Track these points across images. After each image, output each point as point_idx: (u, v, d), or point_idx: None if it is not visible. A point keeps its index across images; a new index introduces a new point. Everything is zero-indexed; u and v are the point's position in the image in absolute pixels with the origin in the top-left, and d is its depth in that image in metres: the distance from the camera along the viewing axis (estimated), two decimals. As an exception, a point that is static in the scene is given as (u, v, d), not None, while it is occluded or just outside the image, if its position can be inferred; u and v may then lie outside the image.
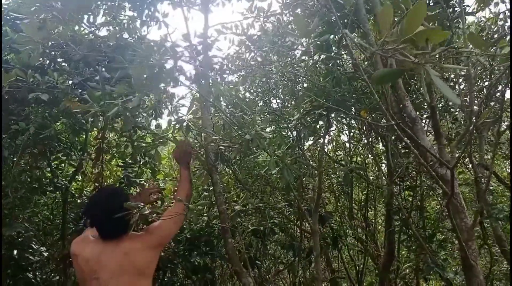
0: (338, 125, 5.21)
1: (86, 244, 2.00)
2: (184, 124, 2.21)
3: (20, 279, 2.60)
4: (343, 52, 2.89)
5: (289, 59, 4.05)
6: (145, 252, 1.95)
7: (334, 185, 5.03)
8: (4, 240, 2.56)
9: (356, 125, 4.51)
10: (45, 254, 3.10)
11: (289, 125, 2.62)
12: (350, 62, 3.04)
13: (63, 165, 4.03)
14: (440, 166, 2.10)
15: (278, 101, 4.42)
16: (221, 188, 2.45)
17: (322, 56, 2.77)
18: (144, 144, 3.31)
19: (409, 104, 2.29)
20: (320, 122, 2.76)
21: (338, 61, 2.82)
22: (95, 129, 3.62)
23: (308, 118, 2.56)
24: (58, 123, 3.28)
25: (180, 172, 2.31)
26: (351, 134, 5.12)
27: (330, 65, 2.80)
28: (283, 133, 2.80)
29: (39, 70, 2.36)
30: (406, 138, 2.13)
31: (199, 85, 2.11)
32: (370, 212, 5.06)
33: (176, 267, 3.61)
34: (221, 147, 2.28)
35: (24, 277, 2.63)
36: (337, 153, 5.24)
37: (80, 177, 4.09)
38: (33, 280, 2.69)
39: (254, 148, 2.19)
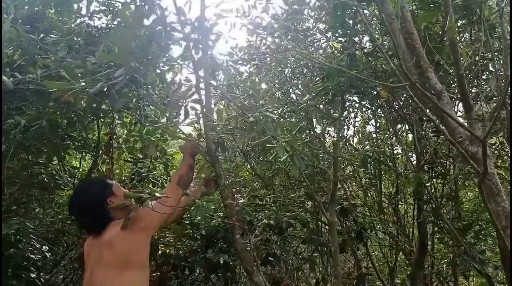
0: (363, 115, 4.97)
1: (89, 239, 1.96)
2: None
3: (21, 278, 2.53)
4: (358, 27, 2.65)
5: (305, 44, 3.84)
6: (125, 239, 1.78)
7: (362, 178, 4.78)
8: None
9: (376, 111, 4.23)
10: (48, 254, 3.02)
11: (298, 107, 2.40)
12: (367, 38, 2.79)
13: (77, 163, 4.02)
14: (471, 144, 1.84)
15: (297, 91, 4.22)
16: (226, 181, 2.27)
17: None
18: (153, 139, 3.21)
19: (434, 76, 2.02)
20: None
21: (354, 38, 2.59)
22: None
23: (320, 99, 2.34)
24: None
25: (183, 160, 2.19)
26: (377, 124, 4.84)
27: (345, 42, 2.57)
28: (293, 116, 2.58)
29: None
30: (430, 113, 1.88)
31: (194, 59, 1.93)
32: (401, 205, 4.76)
33: (193, 265, 3.47)
34: (222, 135, 2.10)
35: (26, 276, 2.55)
36: (362, 145, 4.96)
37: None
38: (36, 280, 2.61)
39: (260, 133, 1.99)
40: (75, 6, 2.33)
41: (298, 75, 4.17)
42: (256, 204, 3.54)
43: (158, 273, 3.48)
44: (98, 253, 1.81)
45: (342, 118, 4.60)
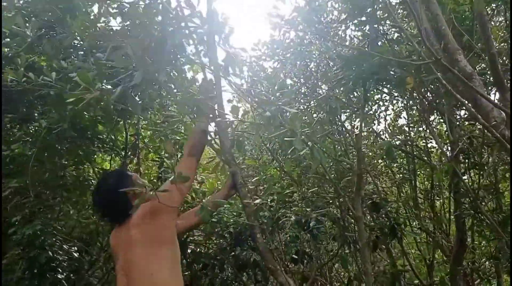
0: (394, 108, 4.79)
1: (114, 231, 2.00)
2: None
3: (46, 279, 2.59)
4: (380, 13, 2.53)
5: (329, 36, 3.73)
6: (150, 219, 1.83)
7: (395, 173, 4.61)
8: (24, 239, 2.58)
9: (407, 102, 4.05)
10: (76, 254, 3.09)
11: (317, 98, 2.31)
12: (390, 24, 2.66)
13: (108, 164, 4.11)
14: (507, 128, 1.70)
15: (324, 86, 4.11)
16: (242, 179, 2.21)
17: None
18: (179, 138, 3.22)
19: (463, 59, 1.89)
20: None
21: (375, 25, 2.48)
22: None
23: (340, 89, 2.25)
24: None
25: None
26: (410, 118, 4.65)
27: (366, 29, 2.46)
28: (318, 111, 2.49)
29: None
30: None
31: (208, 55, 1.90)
32: (437, 200, 4.56)
33: (222, 263, 3.45)
34: (237, 132, 2.05)
35: (51, 277, 2.62)
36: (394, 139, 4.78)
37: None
38: (63, 281, 2.68)
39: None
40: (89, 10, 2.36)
41: (323, 69, 4.07)
42: (283, 201, 3.48)
43: (189, 272, 3.49)
44: (126, 238, 1.84)
45: (367, 110, 4.49)
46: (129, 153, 3.65)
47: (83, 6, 1.93)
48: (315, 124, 1.95)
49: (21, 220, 2.80)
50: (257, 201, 2.02)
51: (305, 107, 2.61)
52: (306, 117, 2.08)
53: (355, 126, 4.63)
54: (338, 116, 2.71)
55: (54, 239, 2.79)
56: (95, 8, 2.57)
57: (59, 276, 2.65)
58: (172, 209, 1.89)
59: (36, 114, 2.71)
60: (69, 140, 3.38)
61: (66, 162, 3.46)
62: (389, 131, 4.67)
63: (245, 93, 1.99)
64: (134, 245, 1.80)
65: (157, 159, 3.44)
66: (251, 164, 3.85)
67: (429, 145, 4.50)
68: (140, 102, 3.38)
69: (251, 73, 3.82)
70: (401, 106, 4.63)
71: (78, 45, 2.60)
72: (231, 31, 2.03)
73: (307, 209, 3.19)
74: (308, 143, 1.93)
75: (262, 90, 3.50)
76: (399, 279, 3.11)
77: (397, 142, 4.32)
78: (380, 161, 4.43)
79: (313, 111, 2.58)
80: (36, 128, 2.51)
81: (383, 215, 3.12)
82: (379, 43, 2.37)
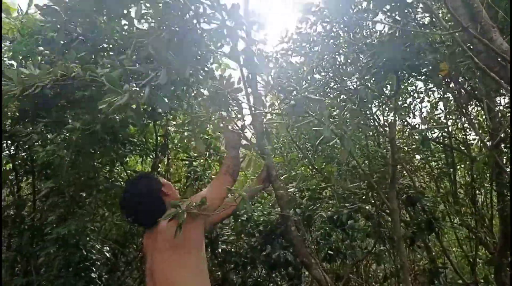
0: (430, 99, 4.61)
1: (145, 233, 2.01)
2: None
3: (81, 277, 2.64)
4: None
5: (358, 28, 3.63)
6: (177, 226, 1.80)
7: (434, 168, 4.43)
8: (59, 239, 2.64)
9: (444, 93, 3.87)
10: (108, 254, 3.14)
11: (347, 89, 2.23)
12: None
13: (140, 166, 4.18)
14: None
15: (354, 79, 4.00)
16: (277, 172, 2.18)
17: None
18: (206, 137, 3.22)
19: (498, 36, 1.77)
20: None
21: (406, 10, 2.37)
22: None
23: (370, 77, 2.16)
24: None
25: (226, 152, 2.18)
26: (447, 109, 4.46)
27: (396, 16, 2.36)
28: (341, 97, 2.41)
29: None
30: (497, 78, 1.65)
31: (233, 53, 1.86)
32: (478, 194, 4.33)
33: (254, 262, 3.42)
34: (266, 123, 2.02)
35: (86, 276, 2.67)
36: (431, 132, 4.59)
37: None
38: (97, 280, 2.73)
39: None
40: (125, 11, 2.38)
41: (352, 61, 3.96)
42: (314, 198, 3.41)
43: (221, 271, 3.48)
44: (155, 242, 1.85)
45: (401, 102, 4.33)
46: (159, 154, 3.69)
47: (123, 7, 1.93)
48: (345, 114, 1.88)
49: (56, 220, 2.88)
50: (292, 189, 1.98)
51: (335, 100, 2.53)
52: (334, 108, 2.00)
53: (389, 119, 4.51)
54: (370, 108, 2.61)
55: (87, 238, 2.85)
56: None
57: (92, 275, 2.70)
58: (202, 217, 1.92)
59: (68, 117, 2.78)
60: (102, 142, 3.47)
61: (99, 165, 3.54)
62: (426, 124, 4.50)
63: (270, 85, 1.95)
64: (161, 250, 1.82)
65: (186, 158, 3.45)
66: (279, 162, 3.80)
67: (468, 137, 4.30)
68: (168, 103, 3.44)
69: (277, 68, 3.77)
70: (437, 97, 4.45)
71: (108, 48, 2.64)
72: (261, 27, 2.00)
73: (339, 205, 3.11)
74: (338, 133, 1.86)
75: (287, 83, 3.44)
76: (438, 277, 2.96)
77: (434, 135, 4.15)
78: (416, 155, 4.27)
79: (343, 104, 2.50)
80: (69, 131, 2.57)
81: (420, 210, 2.99)
82: (410, 29, 2.25)
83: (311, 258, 2.07)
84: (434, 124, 4.52)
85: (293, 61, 4.16)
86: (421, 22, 2.48)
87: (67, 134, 2.76)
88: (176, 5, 1.70)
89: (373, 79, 2.18)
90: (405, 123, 4.34)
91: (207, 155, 3.37)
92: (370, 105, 2.48)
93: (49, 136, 2.90)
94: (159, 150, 3.57)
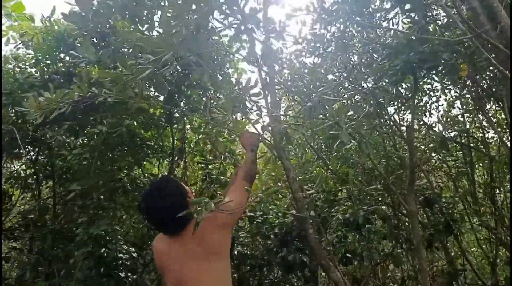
0: (447, 98, 4.55)
1: (161, 237, 1.94)
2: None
3: (112, 278, 2.68)
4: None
5: (372, 27, 3.59)
6: (214, 233, 1.81)
7: (451, 167, 4.37)
8: (91, 239, 2.68)
9: (461, 91, 3.81)
10: (134, 254, 3.18)
11: (362, 91, 2.22)
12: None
13: (157, 169, 4.22)
14: None
15: (369, 79, 3.95)
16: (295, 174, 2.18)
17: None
18: (222, 140, 3.23)
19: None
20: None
21: (424, 10, 2.34)
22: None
23: (387, 80, 2.14)
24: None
25: (245, 155, 2.19)
26: (464, 107, 4.39)
27: (415, 16, 2.33)
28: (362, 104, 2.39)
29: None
30: None
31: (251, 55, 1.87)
32: (498, 193, 4.25)
33: (270, 264, 3.42)
34: (285, 125, 2.02)
35: (116, 276, 2.71)
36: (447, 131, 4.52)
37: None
38: (125, 280, 2.77)
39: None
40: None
41: (367, 61, 3.92)
42: (329, 200, 3.39)
43: (237, 273, 3.49)
44: (182, 249, 1.81)
45: (418, 101, 4.27)
46: (176, 157, 3.72)
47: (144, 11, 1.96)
48: (362, 117, 1.87)
49: (85, 222, 2.92)
50: (311, 191, 1.97)
51: (350, 101, 2.51)
52: (351, 111, 1.99)
53: (405, 119, 4.46)
54: (386, 109, 2.58)
55: (117, 239, 2.90)
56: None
57: (121, 274, 2.75)
58: (232, 224, 1.92)
59: (92, 121, 2.83)
60: (121, 146, 3.53)
61: (117, 168, 3.59)
62: (442, 123, 4.43)
63: (287, 87, 1.95)
64: (197, 258, 1.78)
65: (202, 161, 3.48)
66: (294, 163, 3.79)
67: (486, 136, 4.23)
68: (186, 107, 3.48)
69: (292, 70, 3.76)
70: (454, 96, 4.39)
71: (128, 52, 2.68)
72: (282, 29, 2.00)
73: (355, 208, 3.10)
74: (355, 136, 1.86)
75: (302, 85, 3.43)
76: (457, 279, 2.92)
77: (452, 134, 4.09)
78: (434, 155, 4.22)
79: (362, 105, 2.47)
80: (94, 135, 2.63)
81: (437, 212, 2.95)
82: (429, 29, 2.23)
83: (329, 261, 2.06)
84: (451, 122, 4.46)
85: (306, 61, 4.15)
86: (439, 23, 2.44)
87: (90, 138, 2.81)
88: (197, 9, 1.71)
89: (390, 80, 2.15)
90: (421, 122, 4.29)
91: (223, 158, 3.38)
92: (386, 106, 2.45)
93: (72, 140, 2.95)
94: (176, 153, 3.60)
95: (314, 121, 2.00)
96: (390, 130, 2.50)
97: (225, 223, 1.84)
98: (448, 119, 4.48)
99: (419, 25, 2.25)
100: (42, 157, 3.44)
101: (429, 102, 4.35)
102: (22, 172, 3.55)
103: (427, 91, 4.21)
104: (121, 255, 2.80)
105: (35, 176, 3.52)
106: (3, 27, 3.42)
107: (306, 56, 4.05)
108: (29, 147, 3.20)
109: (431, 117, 4.50)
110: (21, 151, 2.27)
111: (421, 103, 4.23)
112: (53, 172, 3.45)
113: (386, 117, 2.40)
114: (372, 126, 1.78)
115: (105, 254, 2.69)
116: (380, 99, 2.09)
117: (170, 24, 1.48)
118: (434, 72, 2.42)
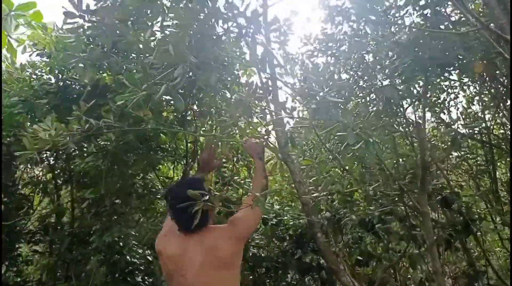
0: (466, 94, 4.42)
1: (169, 240, 1.93)
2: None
3: (127, 282, 2.73)
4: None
5: (386, 25, 3.52)
6: (229, 244, 1.83)
7: (472, 165, 4.24)
8: (105, 246, 2.73)
9: (481, 88, 3.70)
10: (150, 258, 3.21)
11: (373, 89, 2.17)
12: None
13: (172, 172, 4.25)
14: None
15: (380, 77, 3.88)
16: (302, 177, 2.16)
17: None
18: (234, 142, 3.23)
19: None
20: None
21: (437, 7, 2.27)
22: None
23: (399, 78, 2.09)
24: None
25: (254, 164, 2.20)
26: (484, 103, 4.26)
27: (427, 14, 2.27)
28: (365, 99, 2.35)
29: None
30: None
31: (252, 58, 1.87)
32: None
33: (286, 266, 3.40)
34: (289, 129, 1.99)
35: (132, 280, 2.75)
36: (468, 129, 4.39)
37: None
38: (141, 283, 2.81)
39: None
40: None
41: (377, 60, 3.85)
42: (344, 200, 3.34)
43: (252, 276, 3.49)
44: (199, 257, 1.81)
45: (435, 99, 4.17)
46: (190, 160, 3.74)
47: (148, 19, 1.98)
48: (371, 116, 1.83)
49: (99, 229, 2.97)
50: (315, 194, 1.95)
51: (364, 100, 2.46)
52: (359, 110, 1.95)
53: (421, 116, 4.37)
54: (399, 107, 2.52)
55: (130, 244, 2.94)
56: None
57: (137, 279, 2.79)
58: (248, 236, 1.97)
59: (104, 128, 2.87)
60: (136, 151, 3.57)
61: (134, 173, 3.63)
62: (461, 120, 4.32)
63: (293, 90, 1.93)
64: (208, 267, 1.79)
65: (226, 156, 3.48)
66: (308, 164, 3.75)
67: (508, 133, 4.08)
68: (198, 110, 3.50)
69: (303, 70, 3.72)
70: (473, 92, 4.28)
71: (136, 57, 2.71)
72: (282, 35, 1.99)
73: (370, 208, 3.04)
74: (364, 136, 1.82)
75: (308, 85, 3.38)
76: (478, 281, 2.83)
77: (471, 131, 3.97)
78: (454, 153, 4.11)
79: (372, 104, 2.43)
80: (106, 142, 2.68)
81: (456, 211, 2.87)
82: (442, 26, 2.17)
83: (338, 264, 2.03)
84: (471, 119, 4.33)
85: (319, 61, 4.11)
86: (452, 19, 2.38)
87: (103, 144, 2.85)
88: (200, 14, 1.72)
89: (403, 78, 2.10)
90: (439, 120, 4.19)
91: (235, 160, 3.39)
92: (400, 104, 2.39)
93: (85, 146, 3.00)
94: (189, 156, 3.62)
95: (322, 122, 1.98)
96: (401, 129, 2.44)
97: (239, 236, 1.86)
98: (468, 116, 4.36)
99: (431, 22, 2.19)
100: (60, 162, 3.52)
101: (447, 99, 4.26)
102: (42, 177, 3.66)
103: (445, 88, 4.12)
104: (134, 260, 2.83)
105: (53, 181, 3.62)
106: (24, 36, 3.53)
107: (319, 56, 4.03)
108: (47, 152, 3.28)
109: (450, 114, 4.40)
110: (35, 157, 2.31)
111: (439, 101, 4.14)
112: (70, 177, 3.53)
113: (397, 115, 2.34)
114: (380, 125, 1.74)
115: (119, 260, 2.72)
116: (390, 97, 2.05)
117: (177, 35, 1.48)
118: (449, 68, 2.36)
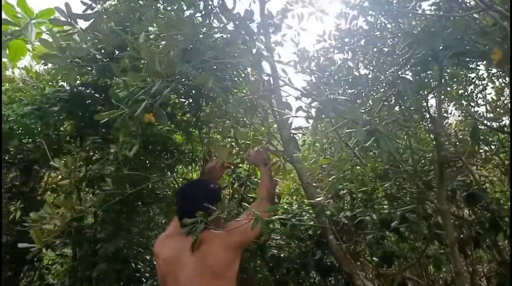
0: (495, 85, 4.21)
1: (167, 242, 1.93)
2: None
3: None
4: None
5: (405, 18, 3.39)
6: (224, 253, 1.77)
7: (503, 158, 4.02)
8: (109, 254, 2.74)
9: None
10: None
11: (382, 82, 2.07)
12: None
13: (192, 173, 4.27)
14: None
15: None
16: (311, 178, 2.09)
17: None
18: (249, 142, 3.19)
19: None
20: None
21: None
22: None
23: (408, 70, 1.99)
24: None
25: (260, 172, 2.15)
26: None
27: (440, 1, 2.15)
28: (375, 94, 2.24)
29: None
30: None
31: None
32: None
33: (306, 267, 3.32)
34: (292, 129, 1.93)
35: None
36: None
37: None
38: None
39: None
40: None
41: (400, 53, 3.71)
42: (365, 199, 3.24)
43: (273, 277, 3.43)
44: (192, 262, 1.77)
45: (462, 91, 3.98)
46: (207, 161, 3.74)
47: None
48: (381, 111, 1.74)
49: (108, 235, 2.99)
50: (319, 198, 1.87)
51: (388, 94, 2.35)
52: (370, 105, 1.87)
53: (449, 111, 4.20)
54: (422, 100, 2.38)
55: (135, 252, 2.94)
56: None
57: (144, 286, 2.80)
58: (245, 245, 1.89)
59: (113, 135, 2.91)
60: (152, 153, 3.61)
61: (149, 176, 3.66)
62: (488, 112, 4.11)
63: (298, 89, 1.87)
64: (200, 274, 1.74)
65: (228, 165, 3.45)
66: (327, 162, 3.67)
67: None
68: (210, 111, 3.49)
69: (319, 67, 3.64)
70: (502, 83, 4.07)
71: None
72: (278, 28, 1.94)
73: (393, 206, 2.93)
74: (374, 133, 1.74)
75: (320, 85, 3.30)
76: (507, 282, 2.66)
77: (499, 124, 3.76)
78: (484, 147, 3.90)
79: (385, 97, 2.31)
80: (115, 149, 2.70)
81: (483, 208, 2.71)
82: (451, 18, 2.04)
83: (353, 268, 1.94)
84: (502, 112, 4.10)
85: (335, 58, 4.00)
86: (467, 5, 2.24)
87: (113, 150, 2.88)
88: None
89: (414, 69, 1.99)
90: (467, 113, 4.00)
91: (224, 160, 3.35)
92: (408, 98, 2.27)
93: (98, 153, 3.05)
94: (205, 157, 3.61)
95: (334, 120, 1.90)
96: (414, 124, 2.33)
97: (234, 245, 1.79)
98: (497, 109, 4.14)
99: (444, 9, 2.07)
100: (79, 167, 3.58)
101: (475, 91, 4.08)
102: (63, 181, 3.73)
103: (473, 80, 3.95)
104: (140, 267, 2.84)
105: (75, 186, 3.68)
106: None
107: (335, 53, 3.92)
108: (65, 157, 3.34)
109: (479, 106, 4.20)
110: (50, 163, 2.37)
111: (466, 93, 3.98)
112: (91, 181, 3.59)
113: (411, 109, 2.23)
114: (391, 120, 1.65)
115: (123, 269, 2.73)
116: (401, 91, 1.94)
117: (153, 52, 1.44)
118: (466, 59, 2.23)
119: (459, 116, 4.38)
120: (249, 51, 1.61)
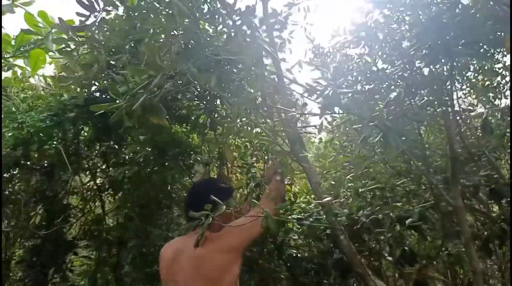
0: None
1: (171, 246, 1.93)
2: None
3: None
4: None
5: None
6: (219, 257, 1.74)
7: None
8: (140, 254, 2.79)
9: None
10: None
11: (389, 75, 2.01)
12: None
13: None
14: None
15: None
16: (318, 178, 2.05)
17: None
18: (263, 142, 3.17)
19: None
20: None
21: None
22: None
23: (416, 63, 1.92)
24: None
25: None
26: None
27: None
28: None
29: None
30: None
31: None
32: None
33: (325, 267, 3.27)
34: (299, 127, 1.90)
35: None
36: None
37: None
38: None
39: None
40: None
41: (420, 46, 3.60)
42: (385, 195, 3.15)
43: (292, 277, 3.39)
44: (190, 264, 1.76)
45: (488, 82, 3.82)
46: (224, 161, 3.75)
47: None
48: (389, 105, 1.69)
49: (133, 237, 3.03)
50: (327, 199, 1.83)
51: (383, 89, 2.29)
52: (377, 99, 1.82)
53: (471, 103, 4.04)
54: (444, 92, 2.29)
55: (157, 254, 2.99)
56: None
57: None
58: (243, 248, 1.83)
59: (129, 139, 2.96)
60: (169, 155, 3.65)
61: (165, 177, 3.70)
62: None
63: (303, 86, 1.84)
64: (197, 278, 1.72)
65: (242, 165, 3.46)
66: (346, 161, 3.60)
67: None
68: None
69: (336, 63, 3.58)
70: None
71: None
72: (283, 26, 1.92)
73: (412, 203, 2.85)
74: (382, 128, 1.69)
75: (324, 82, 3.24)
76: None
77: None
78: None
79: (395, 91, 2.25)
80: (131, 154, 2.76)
81: (508, 204, 2.59)
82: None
83: (365, 268, 1.89)
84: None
85: (351, 53, 3.92)
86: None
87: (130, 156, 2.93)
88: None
89: (423, 61, 1.93)
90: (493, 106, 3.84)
91: (266, 159, 3.33)
92: (416, 91, 2.19)
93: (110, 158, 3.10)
94: (220, 158, 3.63)
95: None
96: (428, 118, 2.24)
97: (229, 248, 1.75)
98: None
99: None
100: (99, 171, 3.67)
101: (502, 83, 3.92)
102: (87, 184, 3.85)
103: (499, 71, 3.80)
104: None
105: (97, 188, 3.78)
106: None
107: (351, 47, 3.84)
108: (84, 162, 3.43)
109: (506, 98, 4.02)
110: (69, 171, 2.44)
111: (492, 85, 3.83)
112: (112, 183, 3.68)
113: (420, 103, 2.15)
114: (399, 115, 1.60)
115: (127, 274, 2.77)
116: (411, 85, 1.88)
117: (154, 47, 1.45)
118: (480, 49, 2.13)
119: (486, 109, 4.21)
120: (251, 47, 1.60)
